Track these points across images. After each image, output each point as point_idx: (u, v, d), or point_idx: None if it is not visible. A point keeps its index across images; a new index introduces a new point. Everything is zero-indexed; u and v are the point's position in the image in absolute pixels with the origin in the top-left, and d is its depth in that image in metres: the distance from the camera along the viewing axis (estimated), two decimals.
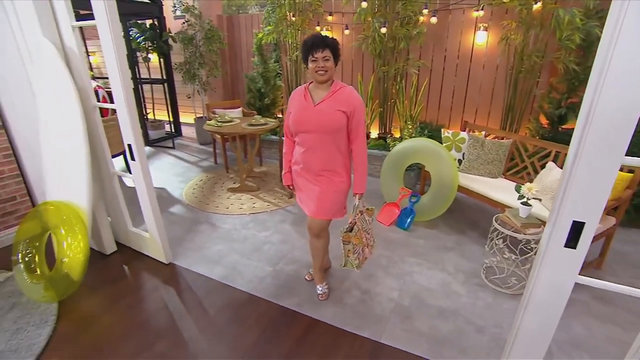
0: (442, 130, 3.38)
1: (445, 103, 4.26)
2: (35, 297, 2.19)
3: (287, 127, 2.02)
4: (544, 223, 2.36)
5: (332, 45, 1.82)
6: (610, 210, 2.45)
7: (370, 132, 4.53)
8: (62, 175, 2.33)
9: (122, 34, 4.87)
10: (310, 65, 1.84)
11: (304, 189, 2.07)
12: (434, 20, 3.74)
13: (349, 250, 2.02)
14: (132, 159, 2.28)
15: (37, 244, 2.31)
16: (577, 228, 1.31)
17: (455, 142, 3.30)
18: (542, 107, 3.59)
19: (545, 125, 3.60)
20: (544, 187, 2.59)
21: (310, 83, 1.96)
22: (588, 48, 3.24)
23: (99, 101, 5.20)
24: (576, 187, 1.26)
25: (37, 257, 2.31)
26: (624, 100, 1.10)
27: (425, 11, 3.70)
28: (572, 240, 1.33)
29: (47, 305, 2.17)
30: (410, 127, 3.78)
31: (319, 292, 2.29)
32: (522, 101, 3.63)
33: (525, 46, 3.41)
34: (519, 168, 3.09)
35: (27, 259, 2.29)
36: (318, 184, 2.00)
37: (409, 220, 3.06)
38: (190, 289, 2.37)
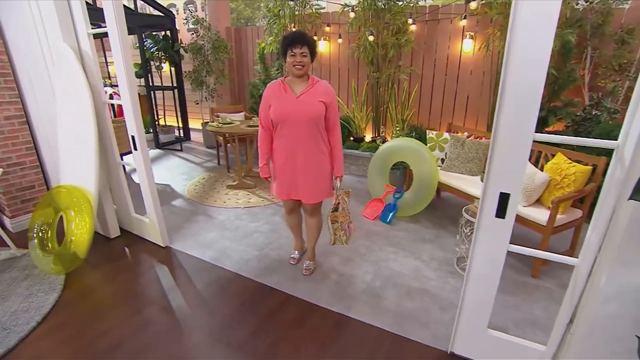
0: (427, 131, 3.59)
1: (435, 107, 4.47)
2: (45, 268, 2.49)
3: (265, 118, 2.14)
4: None
5: (310, 43, 2.01)
6: (575, 203, 2.60)
7: (364, 136, 4.76)
8: (74, 162, 2.65)
9: (137, 44, 5.31)
10: (288, 59, 2.02)
11: (292, 177, 2.21)
12: (413, 27, 4.00)
13: (336, 228, 2.26)
14: (135, 148, 2.58)
15: (51, 221, 2.62)
16: (503, 199, 1.50)
17: (438, 142, 3.50)
18: None
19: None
20: None
21: (285, 77, 2.14)
22: (566, 55, 3.42)
23: (114, 106, 5.62)
24: (498, 162, 1.46)
25: (49, 233, 2.62)
26: (523, 83, 1.32)
27: (410, 20, 3.96)
28: (501, 211, 1.52)
29: (56, 277, 2.46)
30: (398, 129, 4.00)
31: (305, 266, 2.53)
32: None
33: None
34: None
35: (40, 234, 2.60)
36: (311, 170, 2.16)
37: (391, 214, 3.25)
38: (182, 268, 2.62)
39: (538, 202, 2.67)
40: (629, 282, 1.21)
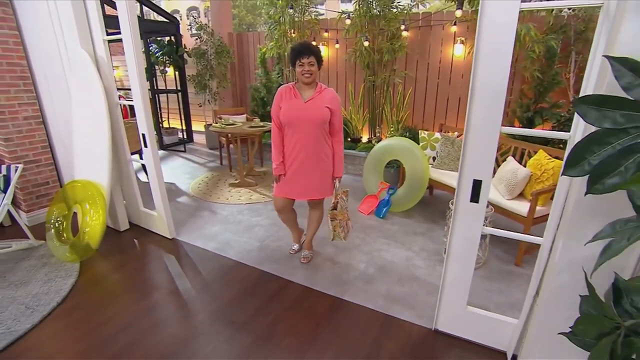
0: (420, 131, 3.81)
1: (429, 109, 4.70)
2: (62, 257, 2.70)
3: (277, 119, 2.35)
4: (492, 204, 2.74)
5: (316, 53, 2.24)
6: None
7: (361, 137, 4.98)
8: (88, 159, 2.87)
9: (143, 49, 5.56)
10: (297, 69, 2.25)
11: (295, 175, 2.39)
12: (405, 34, 4.24)
13: (335, 225, 2.47)
14: (145, 145, 2.80)
15: (67, 212, 2.84)
16: (476, 185, 1.71)
17: (430, 141, 3.71)
18: (515, 112, 3.98)
19: (518, 128, 3.97)
20: (501, 177, 2.97)
21: (295, 83, 2.37)
22: (550, 59, 3.65)
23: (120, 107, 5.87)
24: (471, 152, 1.67)
25: (64, 224, 2.84)
26: (491, 82, 1.53)
27: (402, 27, 4.21)
28: (475, 196, 1.73)
29: (71, 265, 2.66)
30: (392, 129, 4.22)
31: (303, 255, 2.74)
32: None
33: None
34: None
35: (57, 225, 2.81)
36: (314, 170, 2.36)
37: (385, 210, 3.46)
38: (187, 257, 2.83)
39: (521, 195, 2.87)
40: (578, 253, 1.42)
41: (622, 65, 0.90)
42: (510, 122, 4.09)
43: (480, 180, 1.69)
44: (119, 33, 2.57)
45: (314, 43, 4.99)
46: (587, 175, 0.99)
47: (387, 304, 2.29)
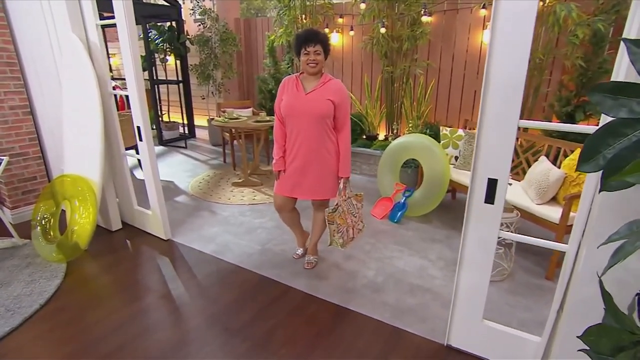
0: (441, 128, 3.81)
1: (454, 103, 4.68)
2: (47, 257, 2.83)
3: (278, 111, 2.44)
4: (517, 208, 2.72)
5: (323, 41, 2.29)
6: None
7: (378, 134, 5.00)
8: (78, 152, 3.01)
9: (141, 35, 5.73)
10: (302, 57, 2.31)
11: (295, 172, 2.45)
12: (425, 19, 4.24)
13: (334, 230, 2.48)
14: (140, 139, 2.91)
15: (54, 209, 2.98)
16: (491, 185, 1.72)
17: (452, 139, 3.71)
18: (553, 106, 3.92)
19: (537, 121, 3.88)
20: (530, 179, 2.94)
21: (301, 73, 2.43)
22: (597, 44, 3.56)
23: (116, 98, 6.08)
24: (485, 148, 1.69)
25: (51, 222, 2.97)
26: (507, 73, 1.54)
27: (423, 11, 4.21)
28: (490, 197, 1.74)
29: (57, 265, 2.78)
30: (411, 126, 4.23)
31: (307, 260, 2.80)
32: (529, 100, 3.98)
33: None
34: (515, 163, 3.43)
35: (43, 222, 2.96)
36: (314, 167, 2.41)
37: (400, 214, 3.47)
38: (183, 259, 2.92)
39: (554, 200, 2.84)
40: (603, 261, 1.41)
41: (639, 48, 0.91)
42: (547, 117, 4.03)
43: (496, 179, 1.70)
44: (114, 17, 2.69)
45: (326, 30, 5.07)
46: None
47: (396, 316, 2.31)
